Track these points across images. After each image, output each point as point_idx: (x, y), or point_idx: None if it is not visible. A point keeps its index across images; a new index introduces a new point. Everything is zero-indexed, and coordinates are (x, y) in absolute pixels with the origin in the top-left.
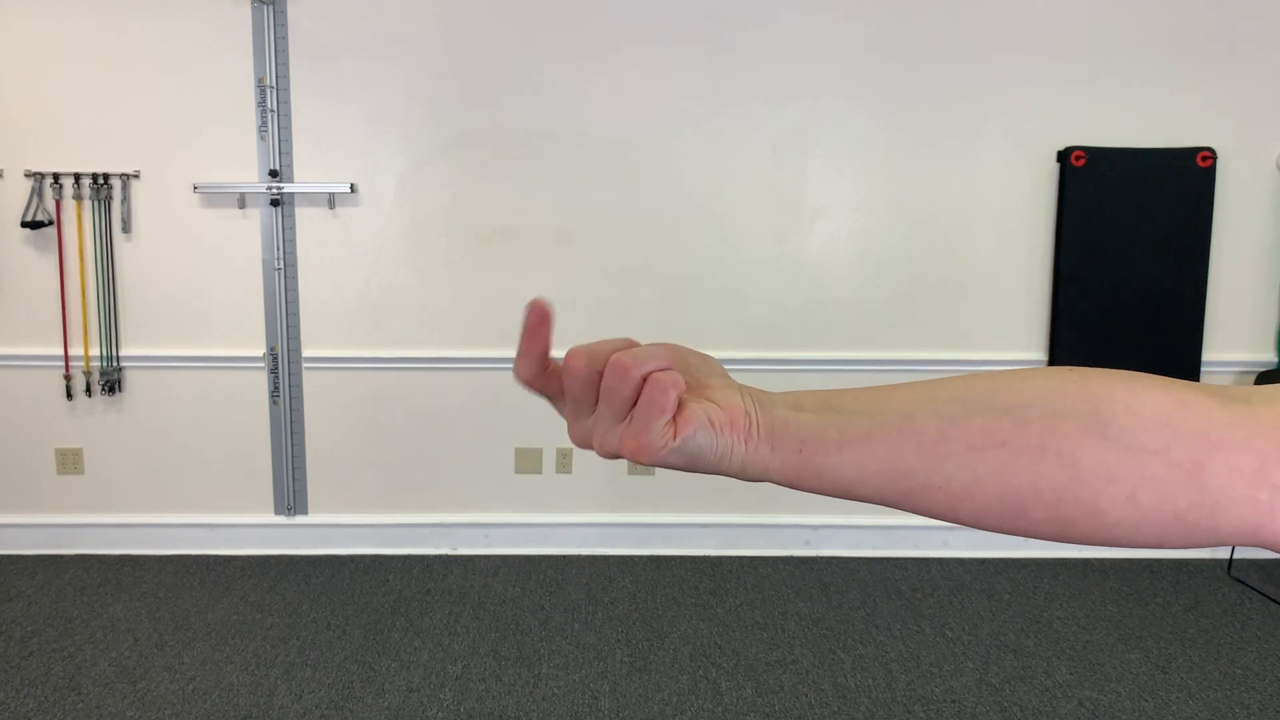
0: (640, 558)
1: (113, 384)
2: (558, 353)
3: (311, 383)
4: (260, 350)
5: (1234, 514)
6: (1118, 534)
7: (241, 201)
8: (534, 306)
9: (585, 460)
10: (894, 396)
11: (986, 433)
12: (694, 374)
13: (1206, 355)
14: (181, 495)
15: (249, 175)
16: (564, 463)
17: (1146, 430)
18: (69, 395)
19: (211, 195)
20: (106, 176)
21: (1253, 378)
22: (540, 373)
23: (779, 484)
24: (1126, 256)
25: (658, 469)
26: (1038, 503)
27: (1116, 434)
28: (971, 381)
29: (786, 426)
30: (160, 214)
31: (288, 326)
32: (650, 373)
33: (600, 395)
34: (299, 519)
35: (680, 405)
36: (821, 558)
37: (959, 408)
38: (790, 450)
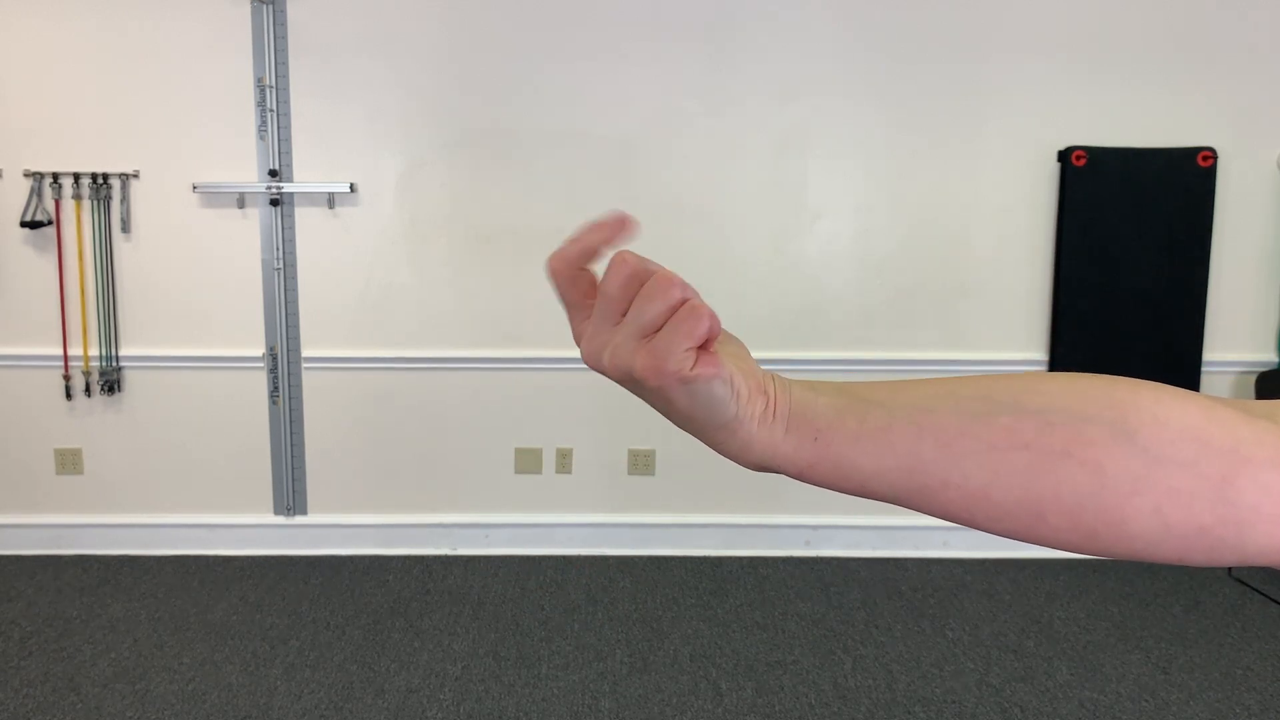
0: (640, 558)
1: (112, 384)
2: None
3: (311, 383)
4: (260, 350)
5: (1262, 532)
6: (1139, 545)
7: (241, 201)
8: (621, 215)
9: (585, 460)
10: (912, 390)
11: (1010, 433)
12: (724, 344)
13: (1207, 355)
14: (181, 495)
15: (248, 175)
16: (564, 463)
17: (1174, 442)
18: (68, 395)
19: (211, 195)
20: (106, 176)
21: (1253, 378)
22: (578, 264)
23: (788, 474)
24: (1127, 256)
25: (657, 471)
26: (1059, 509)
27: (1144, 443)
28: (994, 381)
29: (805, 411)
30: (160, 214)
31: (287, 326)
32: (691, 299)
33: (633, 304)
34: (299, 519)
35: (711, 350)
36: (822, 558)
37: (982, 405)
38: (805, 437)
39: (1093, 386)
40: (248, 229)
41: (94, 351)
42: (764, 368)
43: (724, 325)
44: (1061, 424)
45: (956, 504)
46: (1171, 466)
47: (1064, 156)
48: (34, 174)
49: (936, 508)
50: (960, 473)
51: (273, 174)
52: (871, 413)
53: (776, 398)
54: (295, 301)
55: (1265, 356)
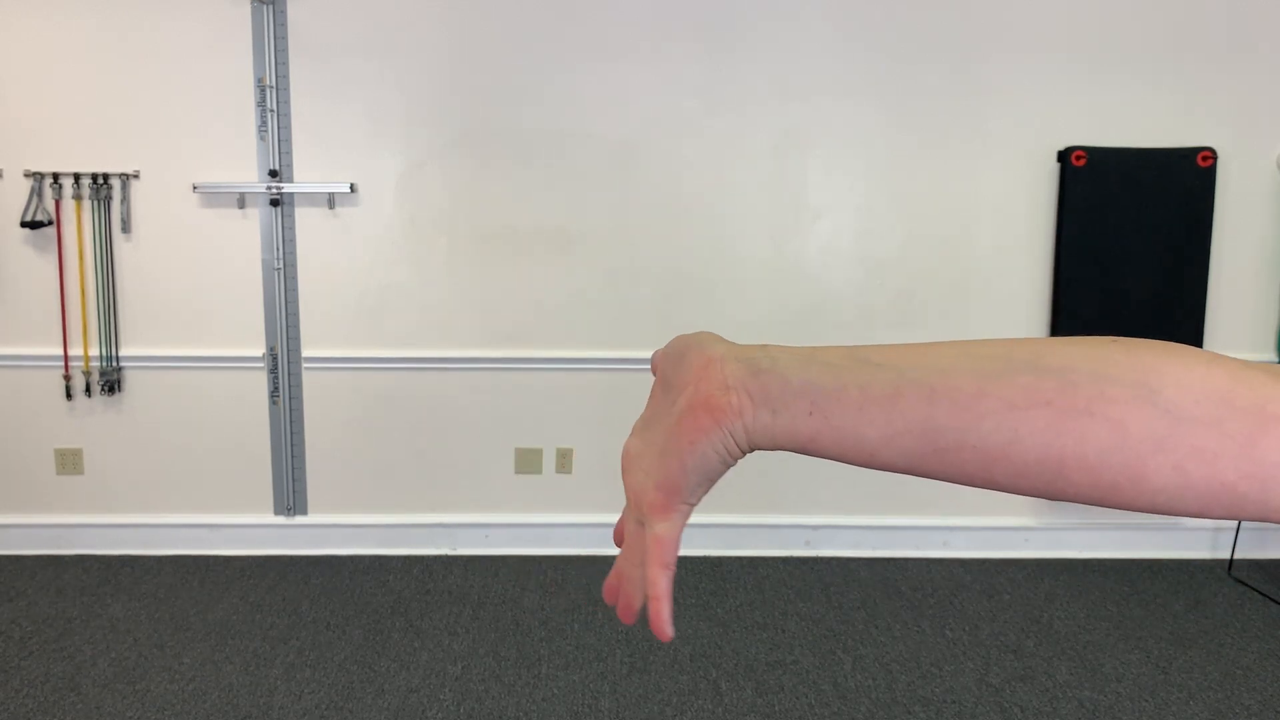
0: None
1: (112, 384)
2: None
3: (311, 383)
4: (260, 350)
5: None
6: (1160, 500)
7: (241, 201)
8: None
9: (585, 460)
10: (925, 352)
11: (1030, 392)
12: (670, 381)
13: None
14: (181, 495)
15: (249, 175)
16: (564, 463)
17: (1198, 402)
18: (69, 395)
19: (211, 195)
20: (106, 176)
21: None
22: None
23: (793, 451)
24: (1127, 256)
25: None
26: (1080, 466)
27: (1167, 403)
28: (1011, 343)
29: (789, 385)
30: (160, 214)
31: (287, 326)
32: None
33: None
34: (299, 519)
35: (653, 499)
36: (821, 558)
37: (1001, 365)
38: (798, 413)
39: (1115, 349)
40: (248, 229)
41: (94, 351)
42: (744, 345)
43: (724, 325)
44: (1084, 383)
45: (974, 465)
46: (1196, 426)
47: (1063, 156)
48: (34, 174)
49: (953, 470)
50: (978, 433)
51: (273, 174)
52: (878, 377)
53: (745, 385)
54: (295, 302)
55: (1265, 356)
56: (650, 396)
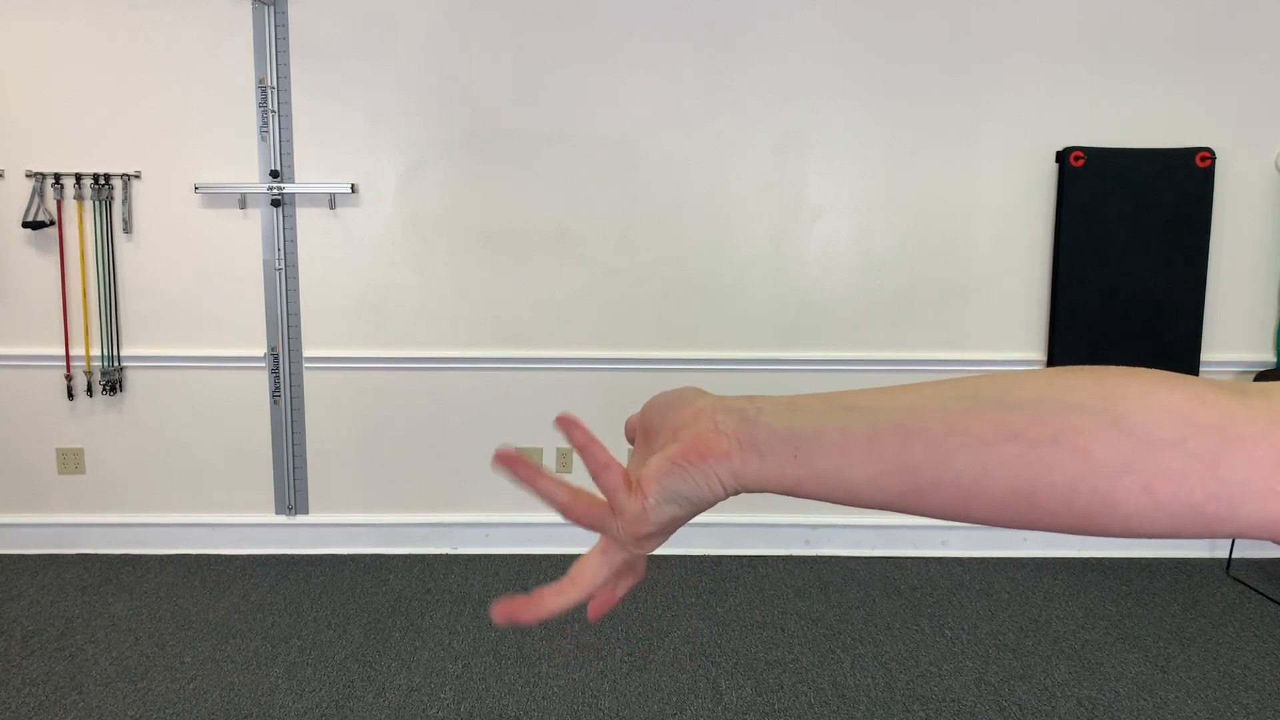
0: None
1: (114, 384)
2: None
3: (312, 383)
4: (261, 350)
5: (1252, 506)
6: (1133, 524)
7: (242, 202)
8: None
9: None
10: (903, 393)
11: (998, 426)
12: (656, 430)
13: (1205, 355)
14: (182, 495)
15: (250, 175)
16: (564, 463)
17: (1161, 423)
18: (70, 395)
19: (212, 195)
20: (107, 177)
21: (1251, 378)
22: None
23: (780, 494)
24: (1125, 257)
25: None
26: (1051, 495)
27: (1131, 427)
28: (981, 380)
29: (774, 432)
30: (161, 214)
31: (288, 326)
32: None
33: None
34: (299, 519)
35: (635, 478)
36: (821, 557)
37: (970, 403)
38: (784, 457)
39: (1081, 378)
40: (249, 229)
41: (96, 351)
42: (728, 397)
43: (724, 325)
44: (1049, 414)
45: (951, 502)
46: (1160, 447)
47: (1062, 157)
48: (36, 174)
49: (931, 508)
50: (952, 470)
51: (274, 174)
52: (855, 421)
53: (734, 432)
54: (296, 301)
55: (1263, 356)
56: (631, 458)
